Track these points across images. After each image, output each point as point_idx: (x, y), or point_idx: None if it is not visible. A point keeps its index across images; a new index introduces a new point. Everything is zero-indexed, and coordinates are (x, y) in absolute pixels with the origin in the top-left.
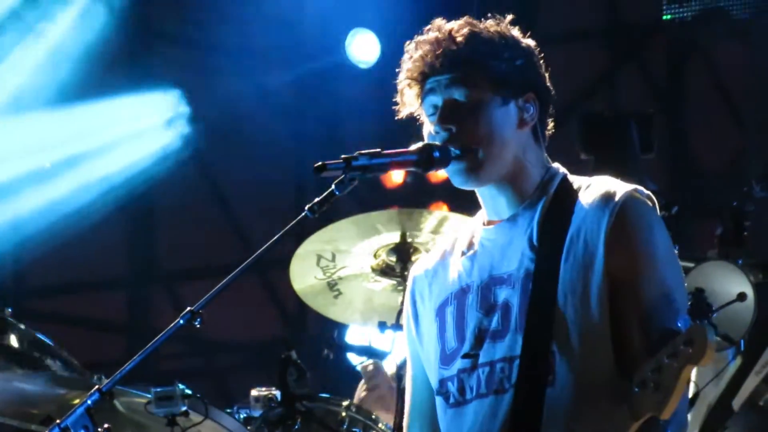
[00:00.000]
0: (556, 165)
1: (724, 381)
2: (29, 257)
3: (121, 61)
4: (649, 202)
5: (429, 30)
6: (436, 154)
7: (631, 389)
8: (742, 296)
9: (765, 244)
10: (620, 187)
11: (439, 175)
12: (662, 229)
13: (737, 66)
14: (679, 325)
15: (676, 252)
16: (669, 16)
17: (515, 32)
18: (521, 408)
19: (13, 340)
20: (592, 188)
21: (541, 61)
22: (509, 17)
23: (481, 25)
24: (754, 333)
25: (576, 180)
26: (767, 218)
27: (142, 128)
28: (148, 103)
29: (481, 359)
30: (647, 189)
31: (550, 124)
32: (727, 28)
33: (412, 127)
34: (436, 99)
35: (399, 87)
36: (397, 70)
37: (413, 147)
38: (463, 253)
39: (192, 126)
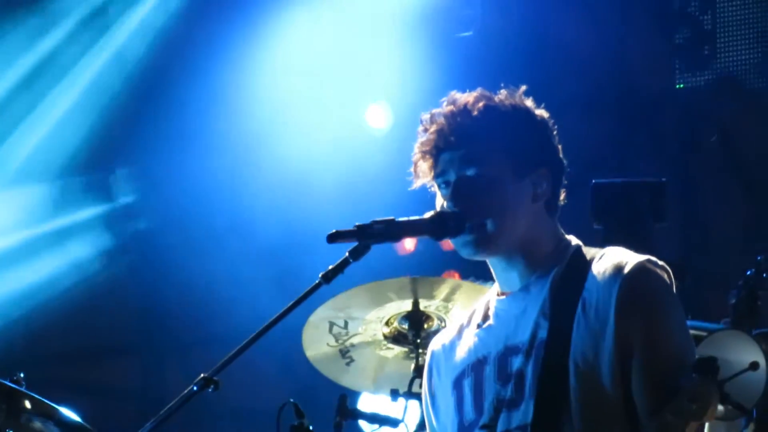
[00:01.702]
0: (569, 237)
1: None
2: (41, 323)
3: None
4: (663, 273)
5: (444, 102)
6: (450, 223)
7: None
8: (754, 365)
9: None
10: (633, 257)
11: (453, 243)
12: (674, 298)
13: (750, 135)
14: (683, 382)
15: (688, 320)
16: (682, 85)
17: (529, 103)
18: None
19: (26, 406)
20: (605, 258)
21: (555, 133)
22: (523, 88)
23: (496, 98)
24: (766, 402)
25: (589, 251)
26: None
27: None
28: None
29: (499, 429)
30: (661, 260)
31: (563, 195)
32: (740, 98)
33: (425, 194)
34: (450, 174)
35: (413, 159)
36: (412, 143)
37: (427, 215)
38: (479, 326)
39: (203, 191)
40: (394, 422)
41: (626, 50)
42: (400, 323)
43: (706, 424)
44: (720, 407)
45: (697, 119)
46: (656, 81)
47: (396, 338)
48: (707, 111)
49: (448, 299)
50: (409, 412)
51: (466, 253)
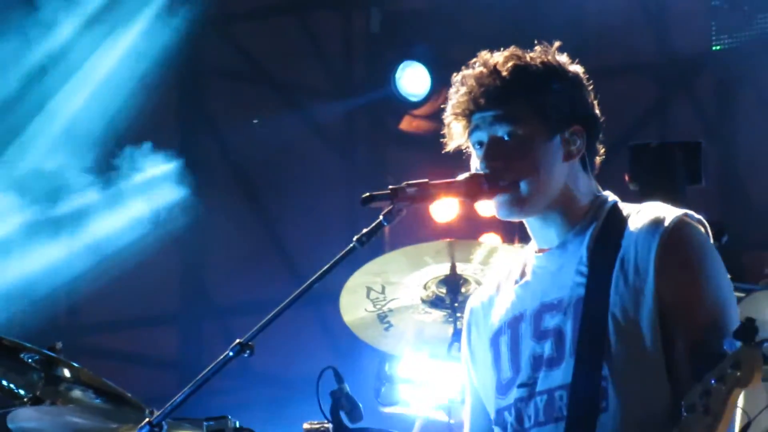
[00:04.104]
0: (606, 193)
1: None
2: (82, 292)
3: (169, 95)
4: (701, 227)
5: (475, 63)
6: (484, 184)
7: (681, 414)
8: None
9: None
10: (670, 212)
11: (491, 203)
12: (713, 252)
13: None
14: (726, 348)
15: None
16: (719, 47)
17: (563, 59)
18: None
19: (65, 375)
20: (642, 213)
21: (590, 89)
22: (557, 44)
23: (528, 57)
24: None
25: (626, 207)
26: None
27: (191, 161)
28: (199, 136)
29: (539, 387)
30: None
31: (601, 151)
32: None
33: (459, 158)
34: (482, 135)
35: (446, 121)
36: (442, 106)
37: (461, 177)
38: (516, 282)
39: (242, 158)
40: (433, 386)
41: (663, 13)
42: (437, 287)
43: None
44: None
45: (733, 81)
46: (693, 43)
47: (434, 302)
48: (744, 72)
49: (485, 262)
50: (448, 375)
51: (502, 214)
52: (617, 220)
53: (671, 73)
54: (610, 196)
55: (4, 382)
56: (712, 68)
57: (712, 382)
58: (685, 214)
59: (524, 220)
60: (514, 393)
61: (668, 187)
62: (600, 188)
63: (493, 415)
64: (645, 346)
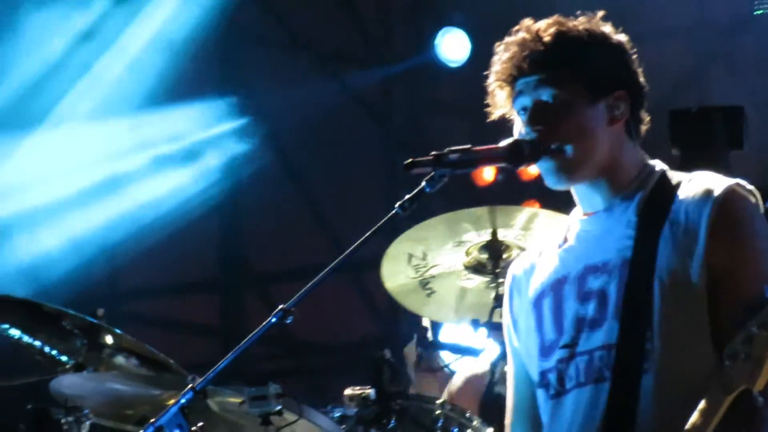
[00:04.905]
0: (654, 162)
1: None
2: (122, 259)
3: (208, 64)
4: (752, 196)
5: (517, 30)
6: (527, 149)
7: (722, 363)
8: None
9: None
10: (722, 181)
11: (531, 172)
12: (763, 221)
13: None
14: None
15: None
16: (760, 11)
17: (606, 28)
18: (618, 396)
19: (107, 342)
20: (694, 181)
21: (633, 56)
22: (601, 13)
23: (570, 24)
24: None
25: (676, 175)
26: None
27: (231, 129)
28: (236, 104)
29: (580, 348)
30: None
31: (646, 119)
32: None
33: (502, 124)
34: (526, 100)
35: (489, 89)
36: (485, 73)
37: (503, 143)
38: (560, 246)
39: (280, 126)
40: (475, 352)
41: None
42: (479, 253)
43: None
44: None
45: None
46: (733, 7)
47: (476, 268)
48: None
49: (526, 228)
50: (490, 341)
51: (550, 182)
52: (667, 187)
53: (710, 38)
54: (658, 165)
55: (47, 349)
56: (754, 33)
57: (754, 329)
58: (737, 183)
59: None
60: (557, 354)
61: (709, 152)
62: (647, 156)
63: (536, 378)
64: (691, 309)
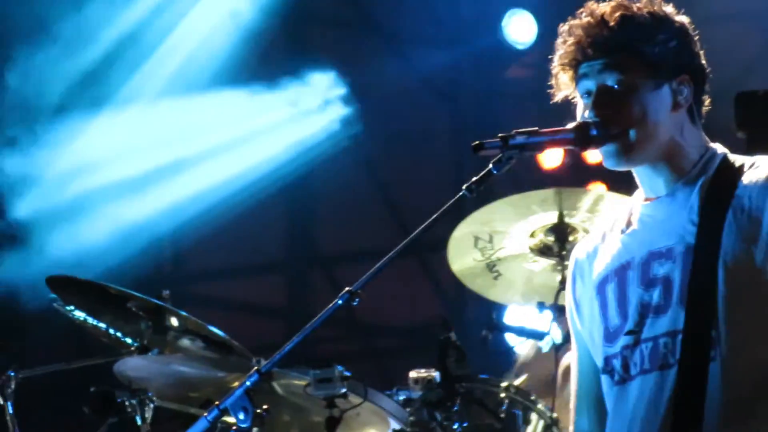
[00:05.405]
0: (716, 145)
1: None
2: (188, 241)
3: (279, 45)
4: None
5: (582, 13)
6: (593, 131)
7: None
8: None
9: None
10: None
11: (600, 152)
12: None
13: None
14: None
15: None
16: None
17: (669, 10)
18: (685, 383)
19: (172, 324)
20: (758, 165)
21: (696, 39)
22: None
23: (634, 7)
24: None
25: (738, 159)
26: None
27: (300, 111)
28: (306, 85)
29: (644, 335)
30: None
31: (707, 102)
32: None
33: (569, 107)
34: (590, 84)
35: (553, 72)
36: (549, 57)
37: (570, 125)
38: (622, 231)
39: (349, 108)
40: (540, 335)
41: None
42: (545, 235)
43: None
44: None
45: None
46: None
47: (542, 251)
48: None
49: (592, 210)
50: (556, 324)
51: (610, 164)
52: (730, 171)
53: None
54: (719, 148)
55: (112, 331)
56: None
57: None
58: None
59: (633, 169)
60: (622, 341)
61: None
62: (708, 140)
63: (601, 364)
64: (757, 295)
